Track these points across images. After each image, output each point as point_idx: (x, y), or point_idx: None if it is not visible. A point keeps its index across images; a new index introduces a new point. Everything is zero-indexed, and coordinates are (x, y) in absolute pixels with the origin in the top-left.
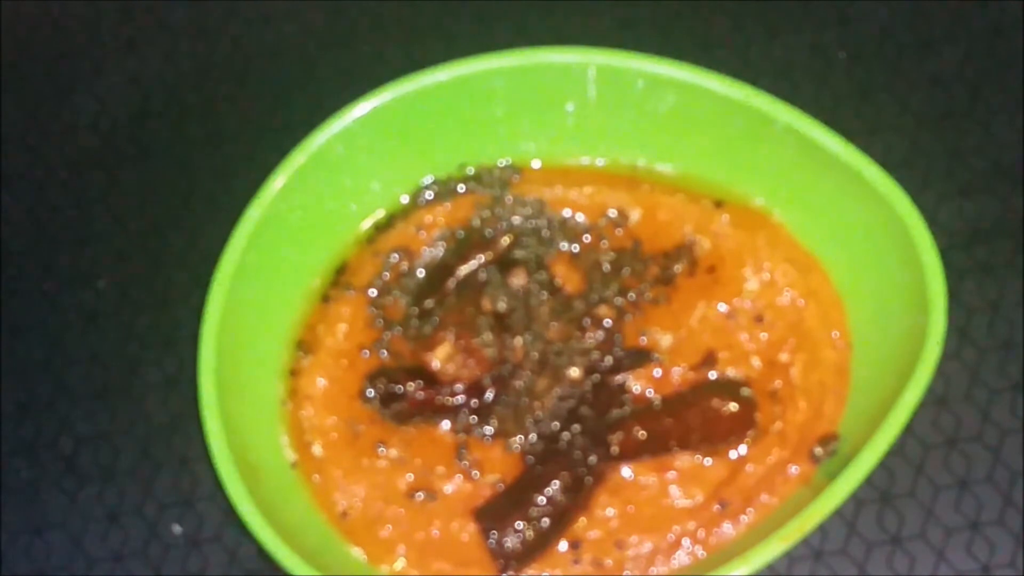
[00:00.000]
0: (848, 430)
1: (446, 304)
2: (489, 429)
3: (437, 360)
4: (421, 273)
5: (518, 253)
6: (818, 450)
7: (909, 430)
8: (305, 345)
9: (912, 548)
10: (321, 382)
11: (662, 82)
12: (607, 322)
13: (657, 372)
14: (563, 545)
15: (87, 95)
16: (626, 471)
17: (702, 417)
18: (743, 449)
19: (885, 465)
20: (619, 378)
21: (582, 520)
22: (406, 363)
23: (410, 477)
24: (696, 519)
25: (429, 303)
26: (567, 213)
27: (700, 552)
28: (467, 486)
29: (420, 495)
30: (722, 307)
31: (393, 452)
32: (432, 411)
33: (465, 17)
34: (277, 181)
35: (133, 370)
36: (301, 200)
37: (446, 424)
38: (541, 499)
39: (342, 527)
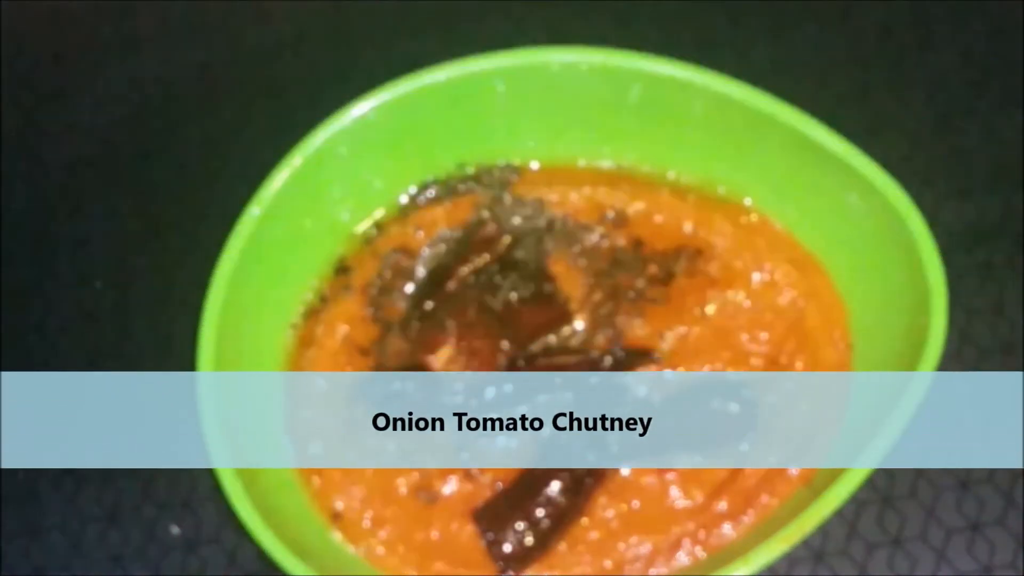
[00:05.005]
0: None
1: (446, 304)
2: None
3: (437, 361)
4: (421, 273)
5: (518, 253)
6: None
7: None
8: (305, 345)
9: (913, 549)
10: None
11: (662, 82)
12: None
13: (657, 372)
14: (563, 545)
15: (87, 95)
16: (626, 471)
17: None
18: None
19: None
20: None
21: (582, 520)
22: (406, 363)
23: (410, 477)
24: (696, 520)
25: (429, 303)
26: (567, 213)
27: (700, 553)
28: (467, 486)
29: (420, 495)
30: (722, 307)
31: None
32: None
33: (465, 17)
34: (277, 181)
35: (133, 370)
36: (301, 200)
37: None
38: (541, 499)
39: (341, 527)
